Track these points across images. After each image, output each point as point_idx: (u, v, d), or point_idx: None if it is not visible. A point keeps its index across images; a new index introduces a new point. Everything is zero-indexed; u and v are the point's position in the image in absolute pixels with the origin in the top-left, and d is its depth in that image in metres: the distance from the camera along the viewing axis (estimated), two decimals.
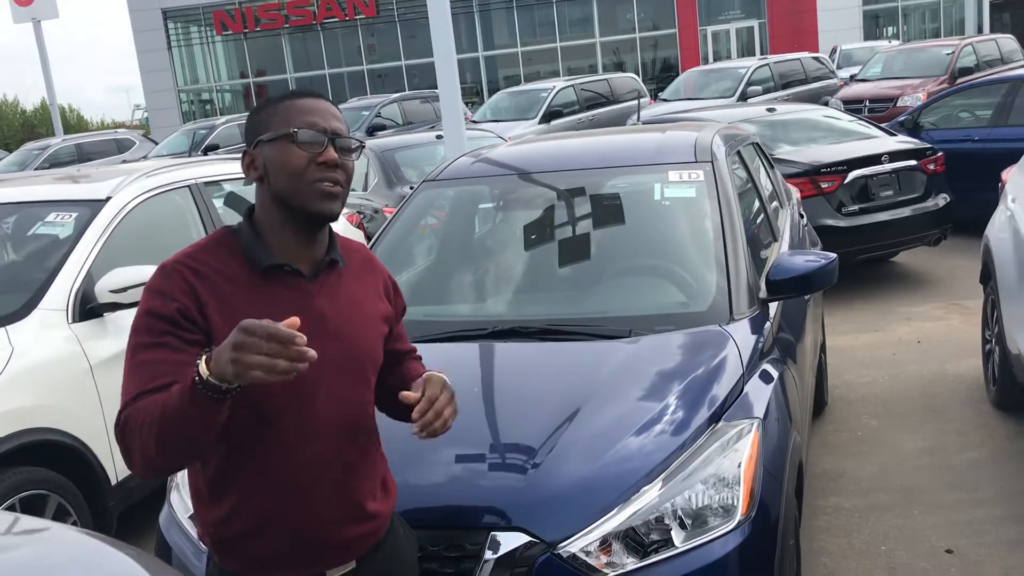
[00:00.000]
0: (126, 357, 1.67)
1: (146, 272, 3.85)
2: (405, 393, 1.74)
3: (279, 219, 1.72)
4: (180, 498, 2.66)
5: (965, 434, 4.53)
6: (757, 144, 4.66)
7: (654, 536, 2.20)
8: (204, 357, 1.47)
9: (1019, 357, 4.15)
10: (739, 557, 2.21)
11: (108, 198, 4.23)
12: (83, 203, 4.23)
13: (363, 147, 1.84)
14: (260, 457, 1.71)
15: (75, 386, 3.71)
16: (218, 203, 5.10)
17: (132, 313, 3.93)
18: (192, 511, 2.56)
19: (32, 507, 3.43)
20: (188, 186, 4.72)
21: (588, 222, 3.48)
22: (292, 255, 1.73)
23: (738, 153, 3.88)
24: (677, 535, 2.20)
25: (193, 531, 2.52)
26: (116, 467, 3.84)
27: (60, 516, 3.55)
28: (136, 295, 3.83)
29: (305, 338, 1.43)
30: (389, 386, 1.93)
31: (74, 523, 3.59)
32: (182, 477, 2.70)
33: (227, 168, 5.20)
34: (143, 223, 4.35)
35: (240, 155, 1.78)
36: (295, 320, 1.44)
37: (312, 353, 1.43)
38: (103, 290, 3.83)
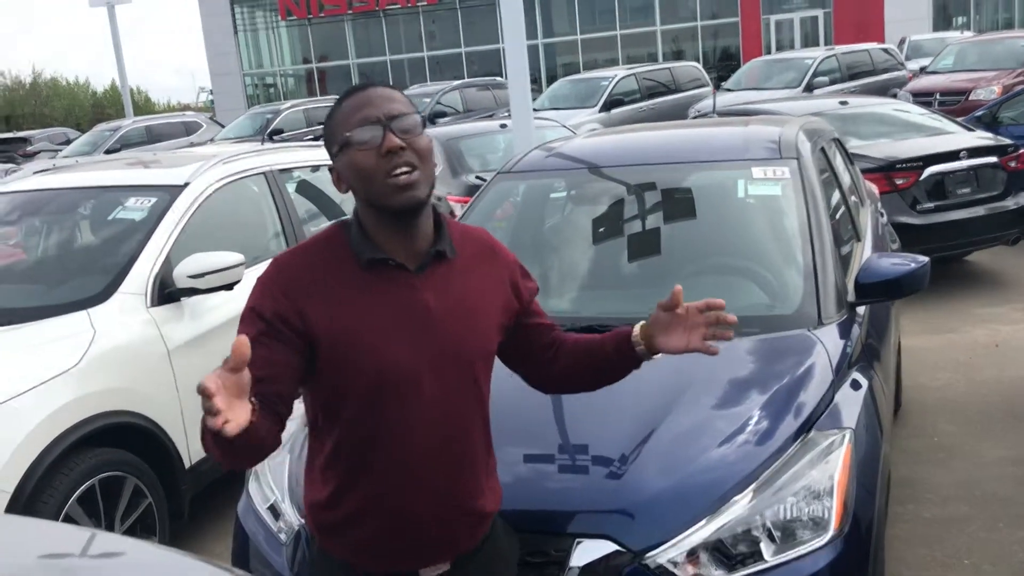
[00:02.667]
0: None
1: (223, 258, 3.90)
2: (678, 286, 1.87)
3: (375, 219, 1.72)
4: (259, 488, 2.67)
5: None
6: (838, 140, 4.54)
7: (742, 548, 2.15)
8: None
9: None
10: (831, 574, 2.15)
11: (186, 184, 4.28)
12: (162, 188, 4.28)
13: (424, 117, 1.78)
14: (367, 445, 1.72)
15: (153, 370, 3.77)
16: (291, 189, 5.13)
17: (209, 298, 4.02)
18: (271, 501, 2.58)
19: (110, 489, 3.49)
20: (263, 173, 4.75)
21: (668, 219, 3.41)
22: (395, 250, 1.72)
23: (822, 150, 3.78)
24: (767, 548, 2.15)
25: (271, 521, 2.54)
26: (190, 450, 3.89)
27: (136, 498, 3.61)
28: (213, 281, 3.88)
29: (216, 395, 1.37)
30: (568, 364, 1.96)
31: (149, 505, 3.65)
32: (261, 467, 2.72)
33: (301, 156, 5.23)
34: (220, 209, 4.39)
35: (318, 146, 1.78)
36: (242, 339, 1.40)
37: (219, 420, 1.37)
38: (181, 275, 3.88)
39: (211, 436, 1.49)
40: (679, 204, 3.46)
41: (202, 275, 3.86)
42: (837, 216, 3.63)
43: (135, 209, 4.18)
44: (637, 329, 1.93)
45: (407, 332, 1.70)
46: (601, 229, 3.49)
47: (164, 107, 49.81)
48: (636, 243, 3.38)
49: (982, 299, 6.84)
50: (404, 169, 1.64)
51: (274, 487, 2.60)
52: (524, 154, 3.97)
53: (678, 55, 29.45)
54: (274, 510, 2.56)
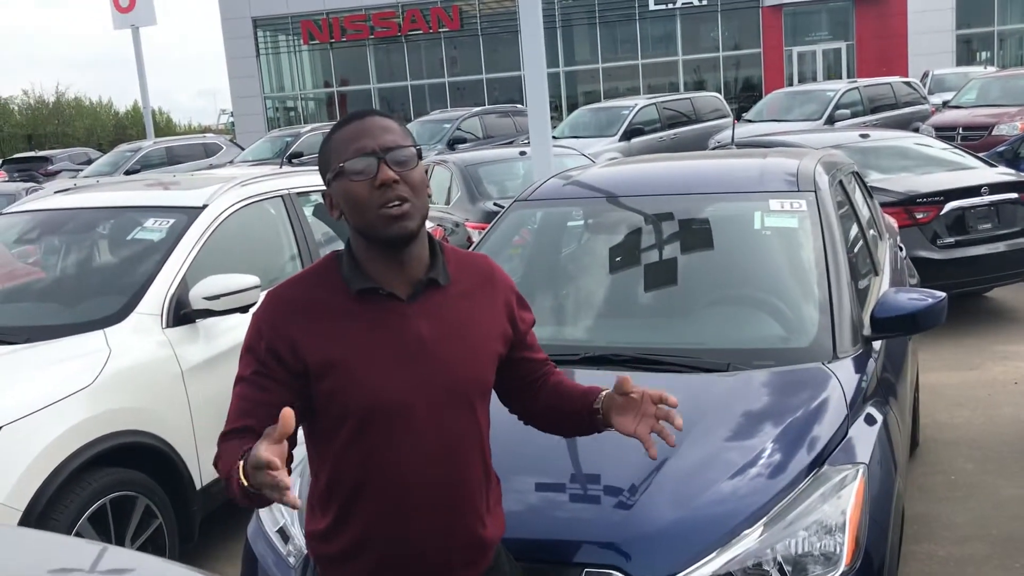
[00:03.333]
0: (235, 381, 1.78)
1: (239, 281, 3.92)
2: (623, 376, 1.81)
3: (366, 248, 1.73)
4: (269, 511, 2.66)
5: None
6: (856, 173, 4.53)
7: None
8: (242, 464, 1.53)
9: None
10: None
11: (205, 206, 4.31)
12: (180, 210, 4.31)
13: (419, 150, 1.76)
14: (361, 477, 1.72)
15: (166, 390, 3.78)
16: (308, 212, 5.16)
17: (224, 320, 4.03)
18: (280, 524, 2.58)
19: (121, 508, 3.50)
20: (281, 196, 4.79)
21: (683, 249, 3.41)
22: (387, 278, 1.72)
23: (840, 183, 3.77)
24: None
25: (280, 544, 2.53)
26: (201, 472, 3.89)
27: (147, 518, 3.60)
28: (229, 303, 3.90)
29: (278, 464, 1.41)
30: (545, 405, 1.97)
31: (160, 525, 3.65)
32: None
33: (318, 179, 5.25)
34: (237, 231, 4.42)
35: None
36: (288, 412, 1.45)
37: (289, 495, 1.42)
38: (197, 297, 3.90)
39: (242, 491, 1.54)
40: (695, 235, 3.46)
41: (217, 297, 3.88)
42: (855, 249, 3.61)
43: (153, 230, 4.22)
44: (603, 396, 1.91)
45: (399, 361, 1.70)
46: (617, 258, 3.49)
47: (185, 128, 50.33)
48: (652, 273, 3.37)
49: (1001, 336, 6.77)
50: (396, 202, 1.65)
51: (284, 511, 2.60)
52: (542, 182, 3.98)
53: (699, 85, 29.58)
54: (283, 533, 2.55)
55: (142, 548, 3.57)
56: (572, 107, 25.47)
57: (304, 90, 35.04)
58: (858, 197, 4.18)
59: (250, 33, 32.89)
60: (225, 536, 4.19)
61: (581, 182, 3.88)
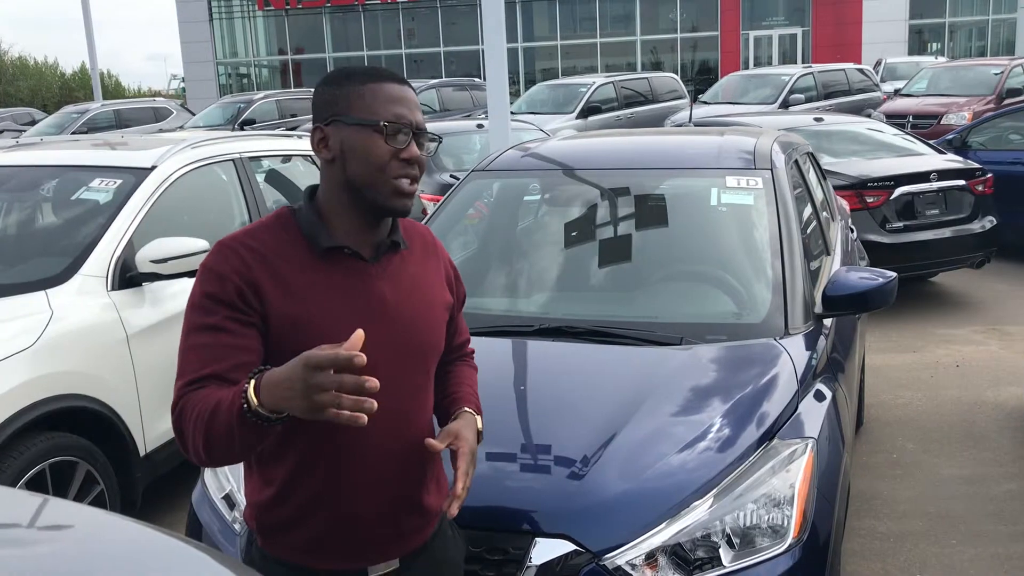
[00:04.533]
0: (181, 337, 1.64)
1: (187, 244, 3.83)
2: (430, 442, 1.70)
3: (346, 203, 1.68)
4: (214, 477, 2.62)
5: (1004, 464, 4.42)
6: (811, 154, 4.57)
7: (700, 553, 2.14)
8: (252, 384, 1.42)
9: None
10: None
11: (153, 167, 4.20)
12: (128, 170, 4.20)
13: (440, 141, 1.79)
14: (312, 442, 1.67)
15: (110, 354, 3.69)
16: (260, 178, 5.07)
17: (171, 284, 3.95)
18: (227, 491, 2.53)
19: (61, 474, 3.42)
20: (232, 160, 4.69)
21: (640, 223, 3.41)
22: (353, 238, 1.69)
23: (795, 162, 3.79)
24: (725, 554, 2.14)
25: (225, 511, 2.49)
26: (146, 438, 3.82)
27: (88, 484, 3.53)
28: (177, 266, 3.82)
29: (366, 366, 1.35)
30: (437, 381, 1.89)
31: (101, 492, 3.57)
32: None
33: (271, 144, 5.16)
34: (186, 194, 4.32)
35: (311, 129, 1.72)
36: (360, 333, 1.37)
37: (371, 404, 1.37)
38: (144, 260, 3.81)
39: (241, 420, 1.42)
40: (652, 210, 3.46)
41: (165, 260, 3.80)
42: (808, 229, 3.64)
43: (99, 190, 4.10)
44: (459, 413, 1.83)
45: (362, 321, 1.64)
46: (574, 231, 3.48)
47: (135, 92, 49.14)
48: (608, 247, 3.36)
49: (946, 320, 6.92)
50: (409, 180, 1.66)
51: (230, 477, 2.55)
52: (499, 153, 3.94)
53: (657, 66, 29.65)
54: (229, 499, 2.51)
55: None
56: (530, 83, 25.35)
57: (258, 57, 34.39)
58: (812, 177, 4.22)
59: None
60: (170, 504, 4.12)
61: (539, 154, 3.86)
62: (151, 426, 3.83)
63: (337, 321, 1.63)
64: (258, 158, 5.03)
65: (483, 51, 6.61)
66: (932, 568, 3.53)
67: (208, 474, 2.66)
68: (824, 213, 4.20)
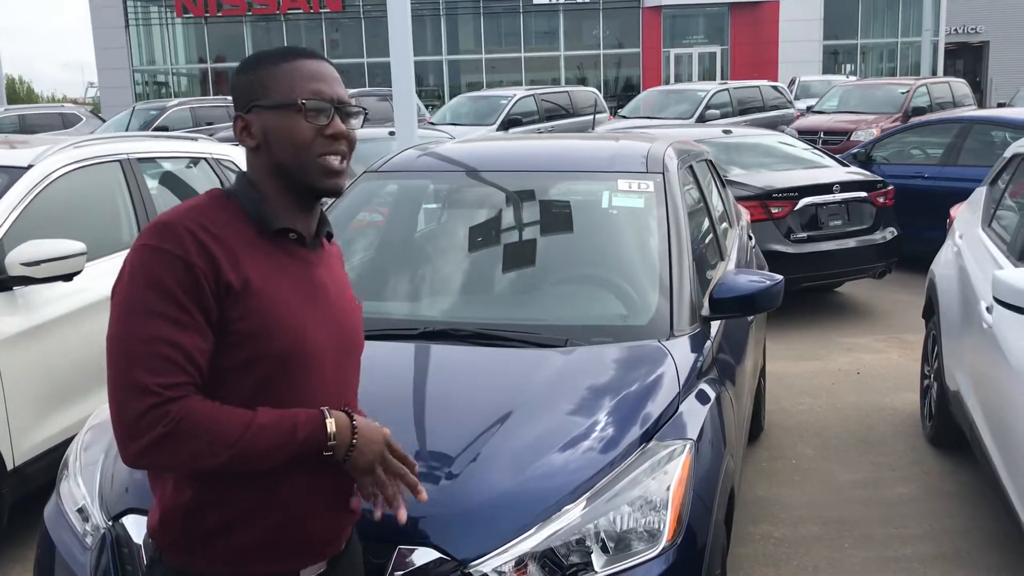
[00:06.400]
0: (131, 323, 1.45)
1: (62, 247, 3.65)
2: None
3: (278, 188, 1.61)
4: (69, 489, 2.46)
5: (898, 468, 4.49)
6: (710, 162, 4.59)
7: (574, 559, 2.07)
8: (333, 420, 1.53)
9: (956, 394, 4.12)
10: None
11: (30, 166, 4.00)
12: (2, 169, 3.98)
13: (367, 114, 1.71)
14: None
15: None
16: (152, 182, 4.88)
17: (46, 289, 3.73)
18: (80, 504, 2.37)
19: None
20: (119, 160, 4.49)
21: (532, 226, 3.35)
22: (293, 223, 1.62)
23: (690, 168, 3.78)
24: (598, 559, 2.07)
25: (78, 524, 2.34)
26: (14, 451, 3.60)
27: None
28: (50, 270, 3.64)
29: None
30: None
31: None
32: (73, 467, 2.51)
33: (163, 146, 4.98)
34: (66, 195, 4.13)
35: (232, 119, 1.64)
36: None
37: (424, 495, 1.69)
38: (14, 262, 3.61)
39: (303, 444, 1.51)
40: (544, 212, 3.41)
41: (38, 263, 3.60)
42: (700, 233, 3.64)
43: None
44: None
45: (311, 308, 1.60)
46: (463, 233, 3.41)
47: (48, 100, 47.69)
48: (496, 249, 3.30)
49: (848, 329, 7.05)
50: (339, 156, 1.60)
51: (84, 490, 2.40)
52: (395, 153, 3.85)
53: (581, 81, 29.92)
54: (83, 513, 2.36)
55: None
56: (455, 95, 25.31)
57: (176, 65, 33.65)
58: (709, 184, 4.22)
59: (119, 2, 31.33)
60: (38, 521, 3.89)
61: (437, 154, 3.78)
62: (21, 438, 3.62)
63: (289, 304, 1.56)
64: (150, 160, 4.84)
65: (391, 59, 6.54)
66: (824, 572, 3.54)
67: (64, 487, 2.51)
68: (722, 220, 4.21)
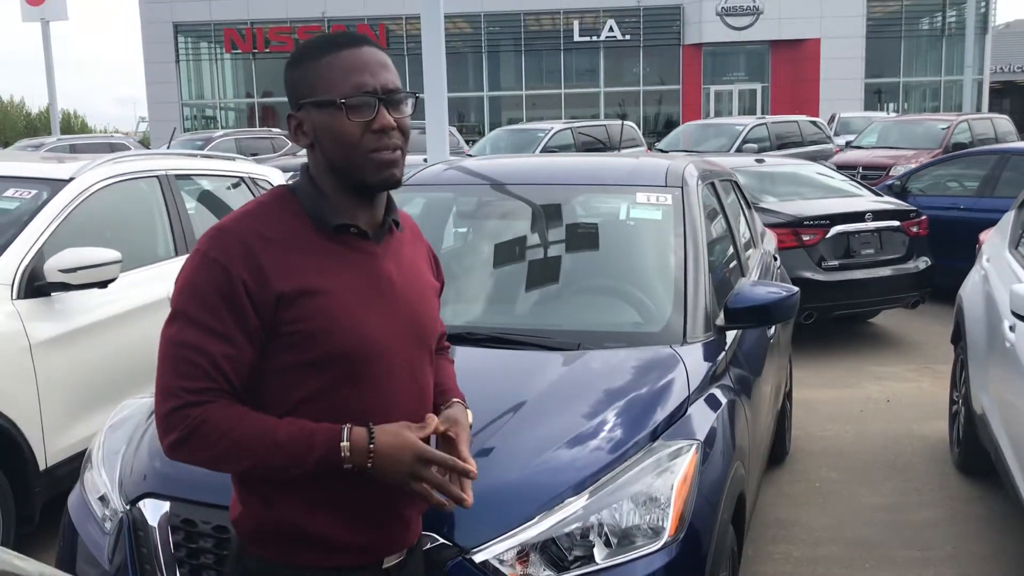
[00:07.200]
0: (172, 328, 1.52)
1: (97, 255, 3.77)
2: (432, 416, 1.63)
3: (336, 184, 1.58)
4: (92, 479, 2.54)
5: (924, 493, 4.43)
6: (735, 183, 4.62)
7: (576, 552, 2.09)
8: (347, 440, 1.48)
9: (983, 417, 4.07)
10: None
11: (71, 179, 4.15)
12: (45, 181, 4.15)
13: (417, 98, 1.65)
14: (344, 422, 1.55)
15: (12, 364, 3.59)
16: (191, 200, 5.02)
17: (82, 296, 3.86)
18: (102, 492, 2.44)
19: None
20: (157, 176, 4.64)
21: (551, 236, 3.41)
22: (356, 217, 1.59)
23: (711, 185, 3.82)
24: (599, 551, 2.09)
25: (98, 510, 2.41)
26: (47, 452, 3.71)
27: None
28: (86, 277, 3.76)
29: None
30: None
31: None
32: (96, 456, 2.59)
33: (201, 164, 5.13)
34: (105, 207, 4.27)
35: (286, 118, 1.62)
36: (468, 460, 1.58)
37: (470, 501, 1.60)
38: (52, 269, 3.74)
39: (324, 462, 1.50)
40: (563, 223, 3.46)
41: (74, 270, 3.73)
42: (721, 248, 3.67)
43: (12, 199, 4.04)
44: (451, 403, 1.79)
45: (375, 303, 1.57)
46: (484, 242, 3.47)
47: (100, 132, 49.03)
48: (516, 258, 3.36)
49: (880, 358, 6.98)
50: (390, 149, 1.54)
51: (106, 479, 2.48)
52: (421, 168, 3.94)
53: (621, 117, 30.12)
54: (104, 500, 2.44)
55: None
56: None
57: (224, 99, 34.47)
58: (732, 203, 4.25)
59: (170, 38, 32.26)
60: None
61: (461, 168, 3.87)
62: (53, 439, 3.73)
63: (351, 302, 1.55)
64: (187, 176, 4.99)
65: (426, 94, 6.70)
66: None
67: (87, 475, 2.59)
68: (743, 236, 4.23)
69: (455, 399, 1.79)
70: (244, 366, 1.51)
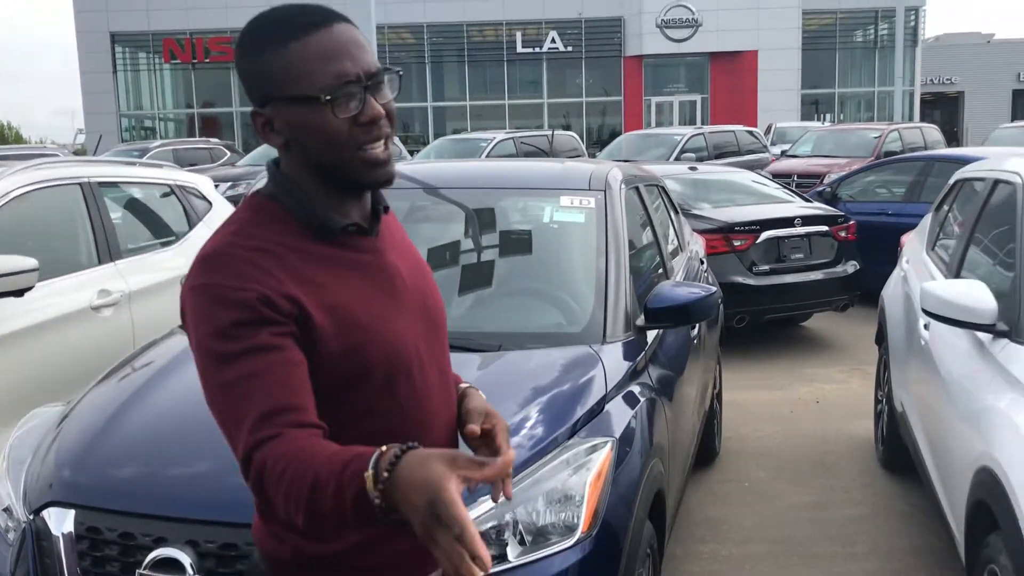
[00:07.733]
0: (212, 378, 1.29)
1: (11, 262, 3.68)
2: (472, 428, 1.44)
3: (321, 183, 1.39)
4: None
5: (850, 491, 4.52)
6: (663, 188, 4.68)
7: (491, 551, 2.09)
8: (372, 477, 1.14)
9: (903, 415, 4.17)
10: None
11: None
12: None
13: (400, 76, 1.47)
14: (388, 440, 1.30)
15: None
16: (116, 207, 4.93)
17: None
18: (6, 504, 2.38)
19: None
20: (79, 183, 4.55)
21: (477, 240, 3.41)
22: (348, 214, 1.41)
23: (636, 189, 3.86)
24: (512, 549, 2.10)
25: (3, 523, 2.35)
26: None
27: None
28: (1, 285, 3.65)
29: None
30: None
31: None
32: (1, 466, 2.52)
33: (128, 171, 5.04)
34: (24, 215, 4.17)
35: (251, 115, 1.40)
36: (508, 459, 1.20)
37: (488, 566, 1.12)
38: None
39: (357, 509, 1.16)
40: (488, 226, 3.47)
41: None
42: (644, 251, 3.71)
43: None
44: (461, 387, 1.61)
45: (392, 300, 1.42)
46: None
47: (36, 144, 47.90)
48: (440, 261, 3.35)
49: (811, 360, 7.11)
50: (381, 142, 1.36)
51: (11, 490, 2.42)
52: None
53: (565, 128, 30.35)
54: (9, 512, 2.38)
55: None
56: None
57: (164, 110, 33.93)
58: (658, 207, 4.31)
59: (107, 47, 31.66)
60: None
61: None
62: None
63: (373, 304, 1.40)
64: (113, 184, 4.90)
65: None
66: None
67: None
68: (668, 240, 4.28)
69: (463, 384, 1.61)
70: (302, 367, 1.30)
